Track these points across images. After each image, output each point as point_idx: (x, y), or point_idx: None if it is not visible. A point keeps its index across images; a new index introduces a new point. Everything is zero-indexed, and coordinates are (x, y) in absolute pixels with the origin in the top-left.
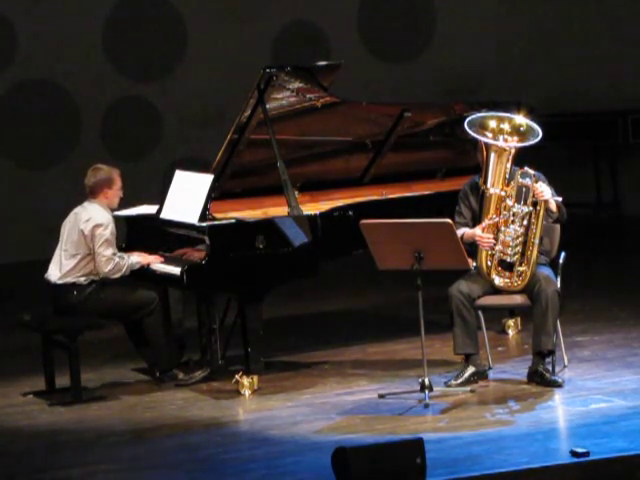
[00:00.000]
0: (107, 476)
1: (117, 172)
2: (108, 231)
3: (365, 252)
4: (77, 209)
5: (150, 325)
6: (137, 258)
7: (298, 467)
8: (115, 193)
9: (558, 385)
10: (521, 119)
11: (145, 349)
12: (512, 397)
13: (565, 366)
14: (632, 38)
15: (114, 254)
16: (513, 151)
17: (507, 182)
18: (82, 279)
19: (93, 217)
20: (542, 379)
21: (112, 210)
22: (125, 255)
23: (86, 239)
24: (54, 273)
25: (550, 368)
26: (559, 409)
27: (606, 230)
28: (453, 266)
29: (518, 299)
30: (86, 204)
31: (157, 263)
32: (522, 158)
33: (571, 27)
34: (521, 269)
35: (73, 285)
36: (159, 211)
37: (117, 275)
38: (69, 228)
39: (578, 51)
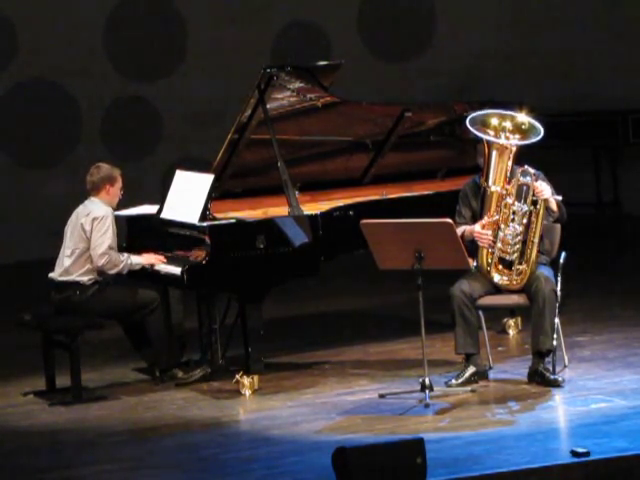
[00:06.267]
0: (107, 476)
1: (119, 172)
2: (108, 222)
3: (365, 252)
4: (78, 208)
5: (151, 324)
6: (138, 259)
7: (299, 467)
8: (116, 192)
9: (558, 385)
10: (523, 117)
11: (144, 349)
12: (512, 397)
13: (565, 366)
14: (632, 38)
15: (110, 248)
16: (514, 149)
17: (508, 180)
18: (85, 278)
19: (93, 210)
20: (542, 379)
21: (112, 209)
22: (126, 254)
23: (86, 233)
24: (57, 272)
25: (550, 368)
26: (559, 409)
27: (606, 230)
28: (453, 266)
29: (518, 299)
30: (87, 202)
31: (159, 263)
32: (523, 158)
33: (571, 27)
34: (520, 267)
35: (76, 284)
36: (159, 211)
37: (113, 271)
38: (72, 227)
39: (578, 51)
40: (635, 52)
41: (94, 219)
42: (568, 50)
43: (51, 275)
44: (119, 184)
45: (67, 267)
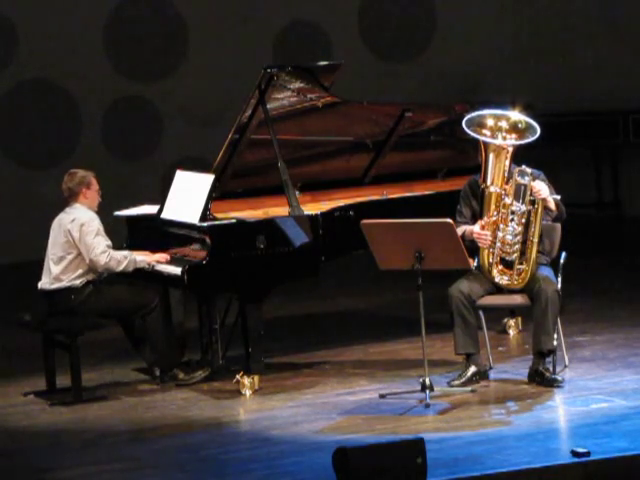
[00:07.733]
0: (107, 476)
1: (93, 175)
2: (96, 224)
3: (366, 252)
4: (60, 215)
5: (151, 324)
6: (143, 257)
7: (299, 467)
8: (93, 194)
9: (558, 385)
10: (519, 116)
11: (144, 349)
12: (513, 397)
13: (566, 366)
14: (632, 38)
15: (108, 246)
16: (511, 149)
17: (506, 180)
18: (77, 282)
19: (78, 216)
20: (542, 379)
21: (95, 212)
22: (128, 252)
23: (75, 240)
24: (46, 281)
25: (550, 368)
26: (560, 409)
27: (606, 230)
28: (454, 266)
29: (518, 299)
30: (68, 209)
31: (161, 263)
32: (522, 158)
33: (571, 27)
34: (521, 267)
35: (69, 289)
36: (160, 211)
37: (119, 268)
38: (55, 235)
39: (578, 51)
40: (635, 52)
41: (82, 224)
42: (568, 50)
43: (41, 285)
44: (95, 186)
45: (57, 274)
